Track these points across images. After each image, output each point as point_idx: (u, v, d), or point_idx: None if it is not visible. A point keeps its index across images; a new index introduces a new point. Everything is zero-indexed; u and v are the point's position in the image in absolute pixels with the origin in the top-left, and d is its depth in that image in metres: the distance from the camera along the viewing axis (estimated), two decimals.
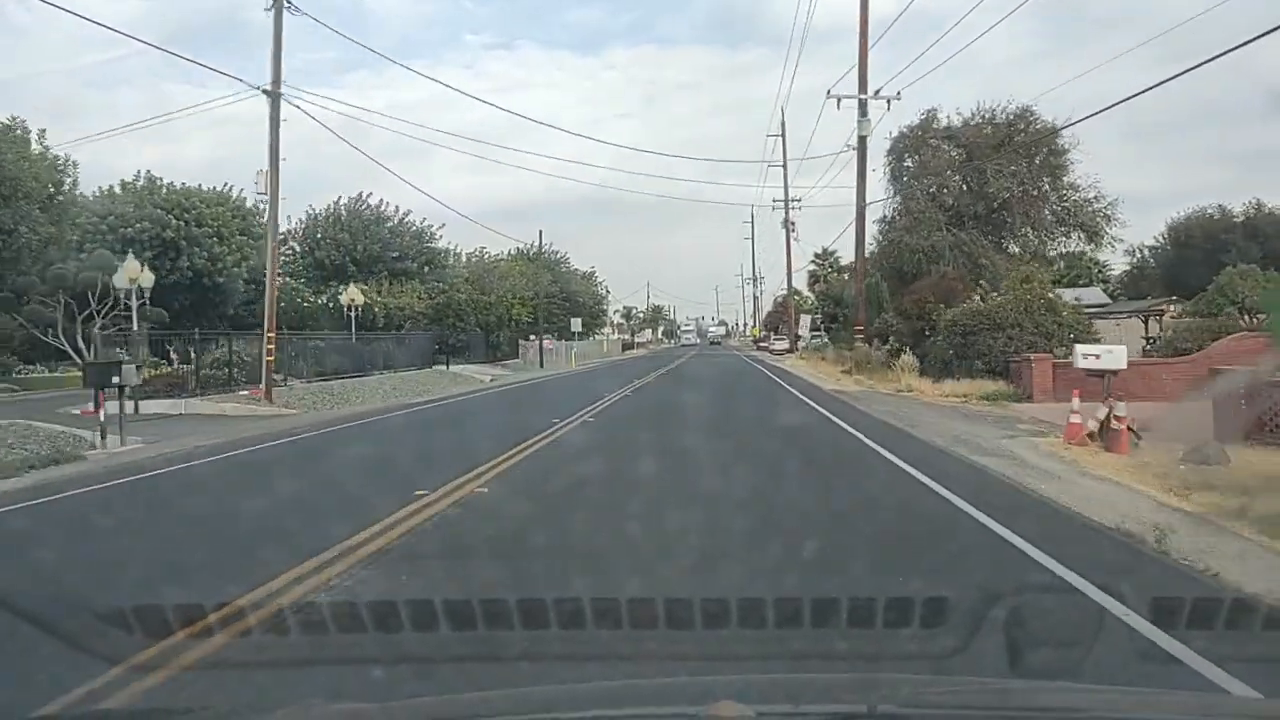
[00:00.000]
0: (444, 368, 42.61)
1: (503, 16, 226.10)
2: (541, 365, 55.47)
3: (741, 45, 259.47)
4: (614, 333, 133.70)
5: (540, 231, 58.18)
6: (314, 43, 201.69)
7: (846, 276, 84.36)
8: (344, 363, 32.73)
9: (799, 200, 73.15)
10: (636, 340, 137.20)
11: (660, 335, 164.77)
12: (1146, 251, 68.21)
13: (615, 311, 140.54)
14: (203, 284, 46.40)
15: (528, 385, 37.58)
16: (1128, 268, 73.40)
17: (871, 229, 53.58)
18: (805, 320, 56.20)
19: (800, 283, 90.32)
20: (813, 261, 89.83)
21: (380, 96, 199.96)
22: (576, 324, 58.48)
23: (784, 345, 77.51)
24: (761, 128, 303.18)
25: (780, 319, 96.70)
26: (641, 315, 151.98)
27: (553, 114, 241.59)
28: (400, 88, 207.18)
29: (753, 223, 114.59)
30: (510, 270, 73.66)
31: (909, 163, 56.83)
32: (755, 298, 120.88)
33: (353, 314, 37.80)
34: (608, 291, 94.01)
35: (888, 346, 34.46)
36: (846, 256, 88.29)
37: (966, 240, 51.18)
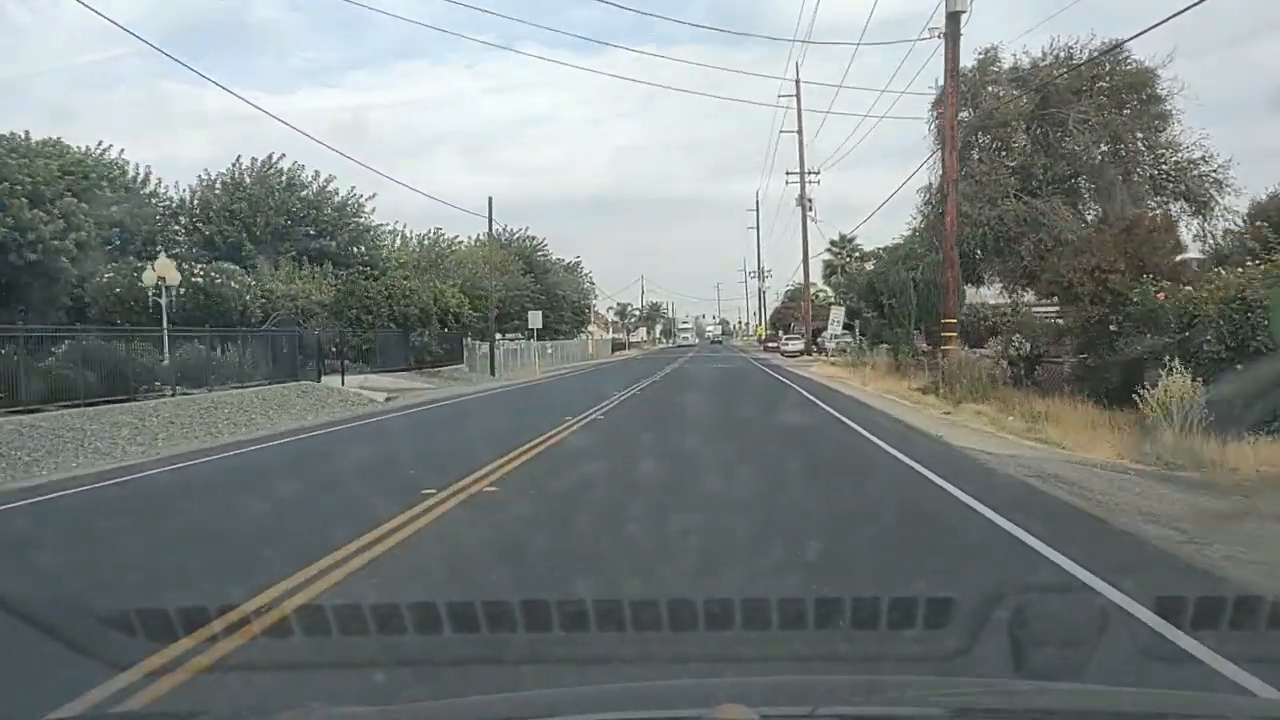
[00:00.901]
0: (335, 380, 28.52)
1: (503, 16, 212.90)
2: (493, 373, 41.22)
3: (741, 45, 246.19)
4: (608, 331, 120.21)
5: (490, 199, 43.51)
6: (315, 41, 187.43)
7: (870, 266, 70.04)
8: (85, 381, 18.43)
9: (817, 173, 58.74)
10: (630, 340, 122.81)
11: (658, 334, 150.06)
12: (1219, 235, 53.99)
13: (609, 309, 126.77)
14: (9, 262, 32.31)
15: (433, 410, 23.45)
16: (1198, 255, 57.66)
17: (914, 200, 39.85)
18: (837, 313, 41.53)
19: (813, 275, 75.84)
20: (829, 249, 75.48)
21: (380, 96, 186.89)
22: (536, 319, 43.99)
23: (798, 346, 63.28)
24: (762, 128, 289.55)
25: (793, 315, 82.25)
26: (637, 313, 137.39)
27: (553, 112, 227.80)
28: (399, 88, 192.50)
29: (758, 210, 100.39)
30: (470, 256, 59.40)
31: (963, 115, 42.73)
32: (760, 292, 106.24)
33: (164, 300, 23.53)
34: (592, 284, 79.51)
35: (1006, 351, 20.19)
36: (870, 243, 74.06)
37: (1047, 210, 37.01)
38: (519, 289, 62.11)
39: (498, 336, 51.12)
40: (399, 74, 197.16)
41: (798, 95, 59.55)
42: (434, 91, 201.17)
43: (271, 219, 42.38)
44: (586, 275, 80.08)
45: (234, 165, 43.94)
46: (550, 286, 69.61)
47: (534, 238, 71.84)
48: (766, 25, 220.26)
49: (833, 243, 75.37)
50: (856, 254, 74.48)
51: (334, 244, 43.44)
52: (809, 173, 58.58)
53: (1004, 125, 37.94)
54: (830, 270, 77.01)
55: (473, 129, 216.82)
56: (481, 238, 66.77)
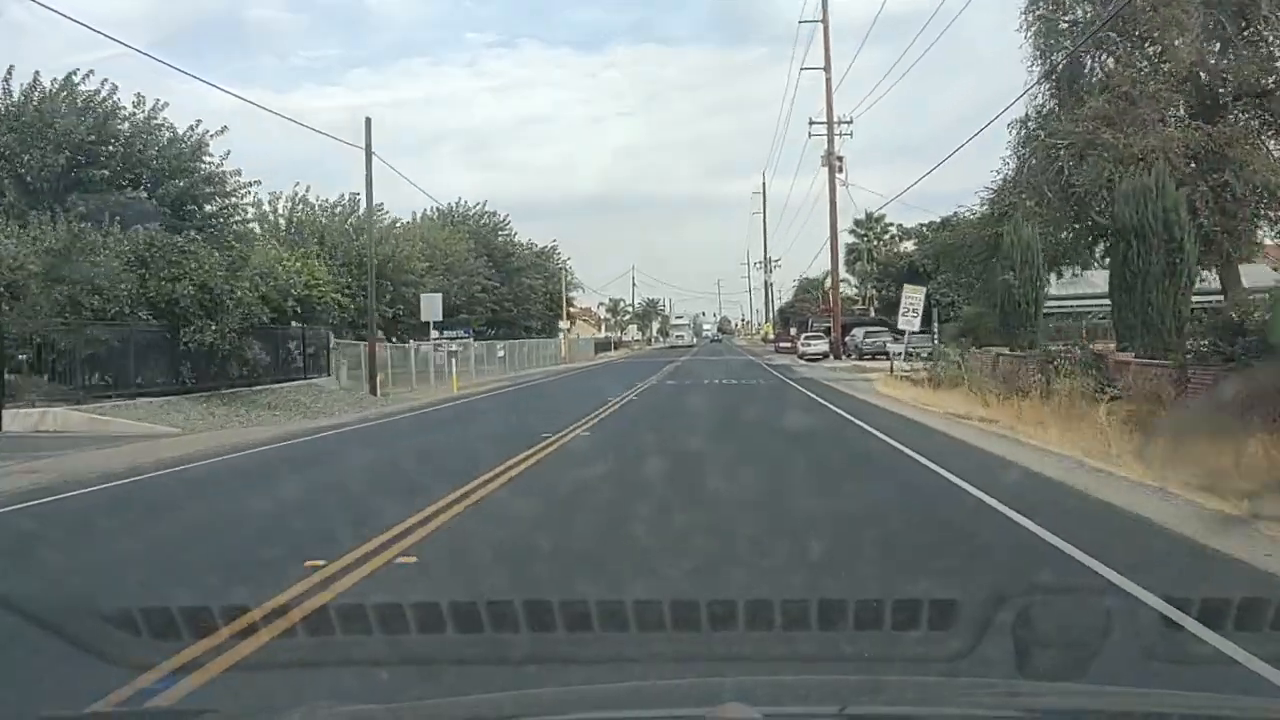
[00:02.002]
0: None
1: (504, 15, 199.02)
2: (374, 392, 25.54)
3: (742, 45, 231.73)
4: (599, 330, 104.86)
5: (368, 120, 27.34)
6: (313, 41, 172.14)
7: (910, 246, 54.27)
8: None
9: (849, 122, 42.95)
10: (621, 339, 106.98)
11: (655, 333, 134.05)
12: None
13: (600, 305, 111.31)
14: None
15: None
16: None
17: (1002, 138, 23.82)
18: (913, 296, 25.02)
19: (825, 264, 59.74)
20: (852, 230, 59.66)
21: (380, 95, 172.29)
22: (433, 306, 27.82)
23: (822, 346, 47.83)
24: (760, 128, 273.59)
25: (808, 310, 66.51)
26: (630, 309, 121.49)
27: (553, 112, 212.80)
28: (400, 87, 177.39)
29: (764, 191, 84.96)
30: (407, 234, 43.61)
31: (1080, 13, 27.11)
32: (767, 285, 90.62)
33: None
34: (568, 270, 63.68)
35: None
36: (908, 220, 58.45)
37: (1237, 140, 21.29)
38: (468, 274, 46.67)
39: (434, 335, 35.39)
40: (399, 71, 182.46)
41: (824, 22, 43.91)
42: (434, 90, 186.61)
43: (50, 158, 26.74)
44: (564, 262, 64.52)
45: (5, 80, 28.18)
46: (512, 273, 54.15)
47: (494, 214, 56.25)
48: (766, 25, 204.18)
49: (857, 223, 59.57)
50: (889, 234, 58.91)
51: (146, 195, 27.71)
52: (838, 122, 42.84)
53: (1159, 7, 22.23)
54: (854, 256, 61.41)
55: (475, 128, 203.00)
56: (429, 213, 51.34)
